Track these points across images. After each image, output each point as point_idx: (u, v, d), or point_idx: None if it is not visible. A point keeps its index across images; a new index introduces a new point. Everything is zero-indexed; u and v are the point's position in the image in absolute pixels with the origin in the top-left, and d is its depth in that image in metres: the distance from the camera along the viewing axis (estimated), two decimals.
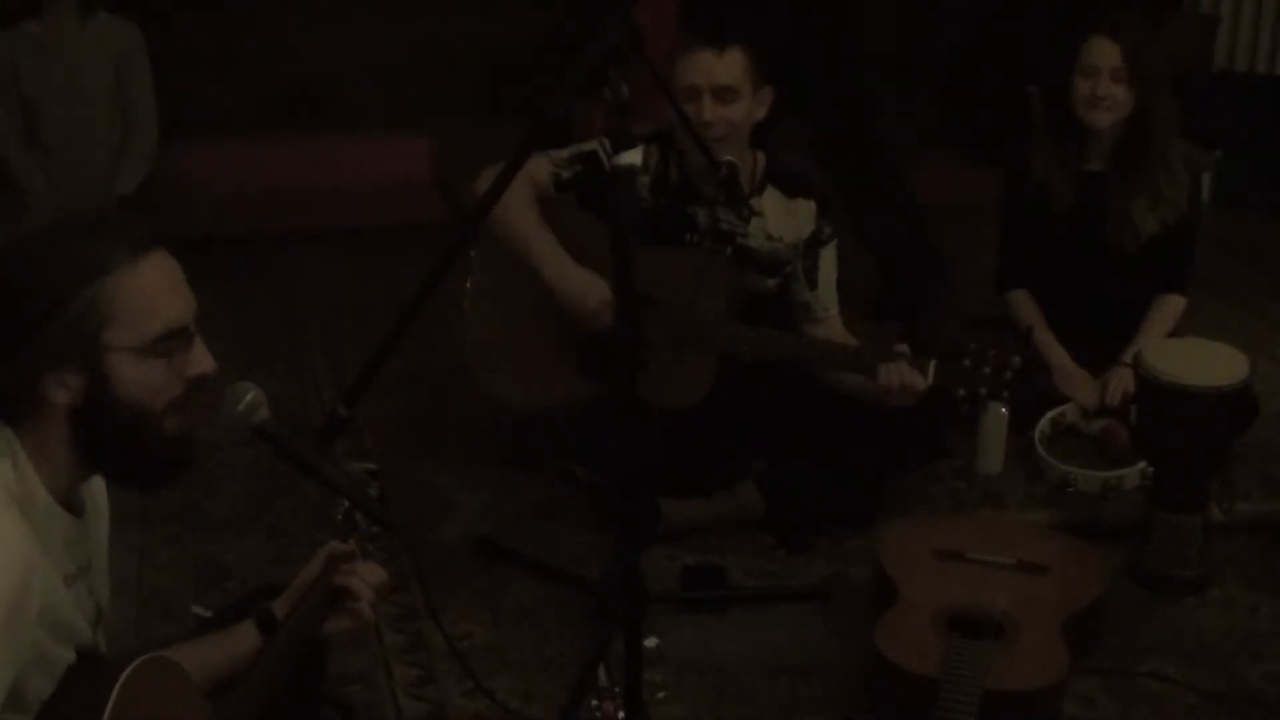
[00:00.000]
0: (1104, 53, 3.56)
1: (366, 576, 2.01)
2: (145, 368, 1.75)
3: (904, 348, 3.02)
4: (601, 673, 2.27)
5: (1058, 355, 3.71)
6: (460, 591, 3.03)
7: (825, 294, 3.40)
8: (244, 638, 2.03)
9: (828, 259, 3.39)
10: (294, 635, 1.96)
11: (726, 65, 3.20)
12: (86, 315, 1.71)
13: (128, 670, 1.71)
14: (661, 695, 2.71)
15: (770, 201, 3.34)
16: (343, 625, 2.02)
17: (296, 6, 5.46)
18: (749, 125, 3.26)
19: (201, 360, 1.80)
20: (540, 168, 3.30)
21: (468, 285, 3.41)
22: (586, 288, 3.21)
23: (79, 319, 1.71)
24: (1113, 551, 3.08)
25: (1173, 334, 3.70)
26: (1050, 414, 3.62)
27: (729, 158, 3.05)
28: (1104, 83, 3.56)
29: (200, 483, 3.45)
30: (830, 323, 3.41)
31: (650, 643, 2.81)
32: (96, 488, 1.92)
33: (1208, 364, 3.02)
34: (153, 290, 1.75)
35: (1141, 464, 3.38)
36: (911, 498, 3.40)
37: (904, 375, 2.98)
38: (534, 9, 5.56)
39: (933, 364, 2.99)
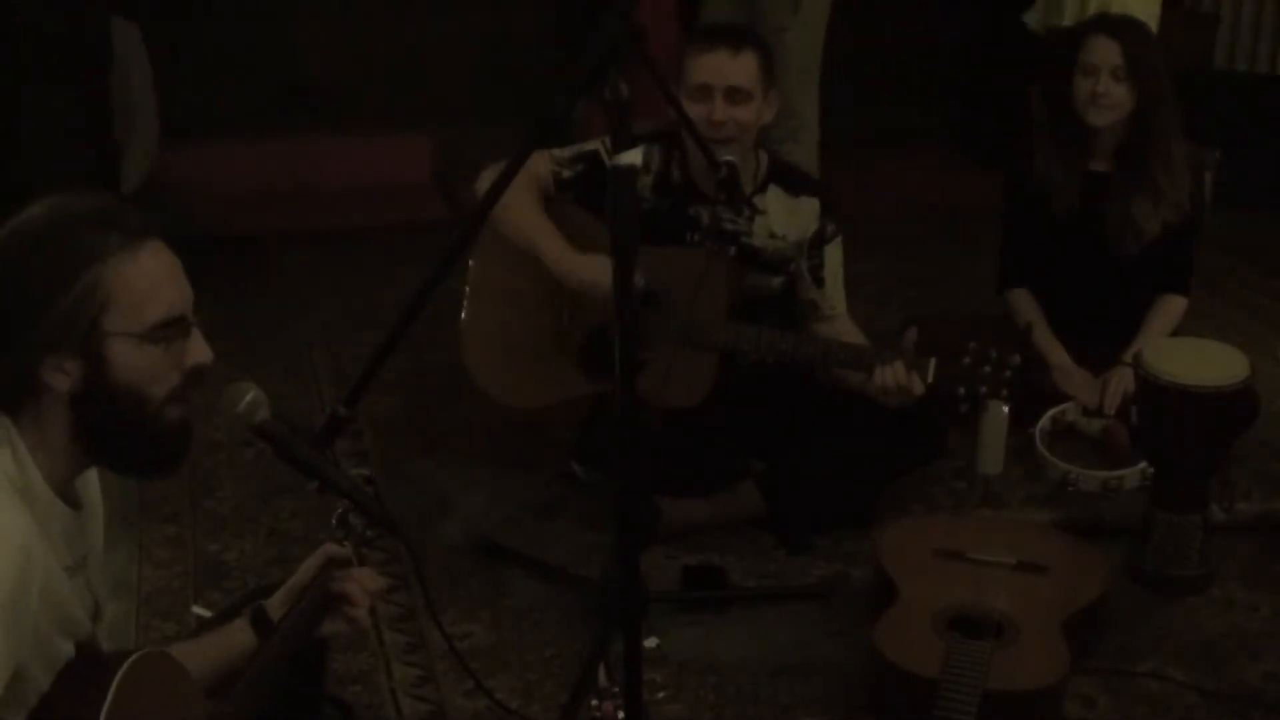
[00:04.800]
0: (1104, 51, 3.56)
1: (364, 583, 2.01)
2: (143, 354, 1.76)
3: (912, 334, 3.01)
4: (601, 673, 2.27)
5: (1057, 354, 3.71)
6: (460, 591, 3.03)
7: (832, 292, 3.40)
8: (238, 635, 2.03)
9: (833, 257, 3.38)
10: (290, 637, 1.96)
11: (741, 66, 3.19)
12: (86, 299, 1.72)
13: (126, 664, 1.72)
14: (661, 695, 2.71)
15: (773, 200, 3.34)
16: (339, 629, 2.03)
17: (296, 6, 5.46)
18: (757, 127, 3.26)
19: (199, 350, 1.82)
20: (541, 166, 3.29)
21: (465, 286, 3.40)
22: (598, 271, 3.10)
23: (78, 303, 1.72)
24: (1113, 551, 3.08)
25: (1173, 334, 3.69)
26: (1051, 411, 3.61)
27: (729, 158, 3.05)
28: (1104, 81, 3.55)
29: (200, 483, 3.46)
30: (838, 321, 3.40)
31: (650, 643, 2.81)
32: (92, 484, 1.93)
33: (1208, 364, 3.02)
34: (151, 277, 1.76)
35: (1141, 464, 3.38)
36: (911, 498, 3.40)
37: (899, 376, 2.98)
38: (534, 9, 5.56)
39: (932, 363, 2.99)
